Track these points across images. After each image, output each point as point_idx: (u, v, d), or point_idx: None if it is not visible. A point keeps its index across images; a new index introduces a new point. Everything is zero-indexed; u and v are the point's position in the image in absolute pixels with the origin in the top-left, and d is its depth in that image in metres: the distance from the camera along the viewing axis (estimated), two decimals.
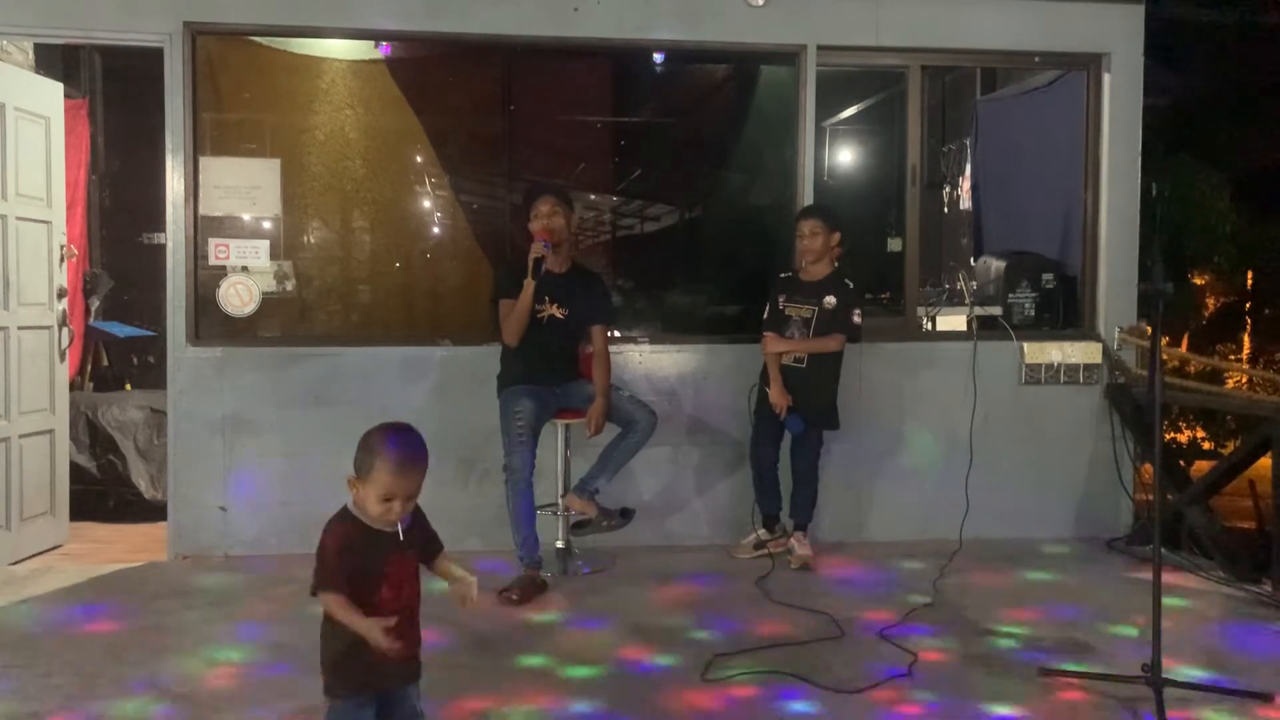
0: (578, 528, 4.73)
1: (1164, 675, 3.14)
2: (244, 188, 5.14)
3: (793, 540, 4.90)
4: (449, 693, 3.22)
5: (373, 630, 2.19)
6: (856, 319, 4.85)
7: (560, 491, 4.78)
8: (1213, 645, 3.83)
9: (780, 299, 4.93)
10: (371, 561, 2.29)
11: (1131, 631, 3.89)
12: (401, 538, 2.33)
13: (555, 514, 4.76)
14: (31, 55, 6.09)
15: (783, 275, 5.04)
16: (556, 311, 4.60)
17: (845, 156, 7.39)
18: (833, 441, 5.08)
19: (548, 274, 4.55)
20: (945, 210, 7.07)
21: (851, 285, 4.90)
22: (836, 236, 4.91)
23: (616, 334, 5.32)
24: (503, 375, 4.64)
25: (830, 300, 4.84)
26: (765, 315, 4.96)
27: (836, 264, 4.96)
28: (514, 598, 4.24)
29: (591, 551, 4.93)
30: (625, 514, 4.77)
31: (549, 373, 4.59)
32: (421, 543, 2.41)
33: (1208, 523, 4.97)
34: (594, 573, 4.72)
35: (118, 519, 5.74)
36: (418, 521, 2.41)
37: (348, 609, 2.22)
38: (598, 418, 4.55)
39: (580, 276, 4.75)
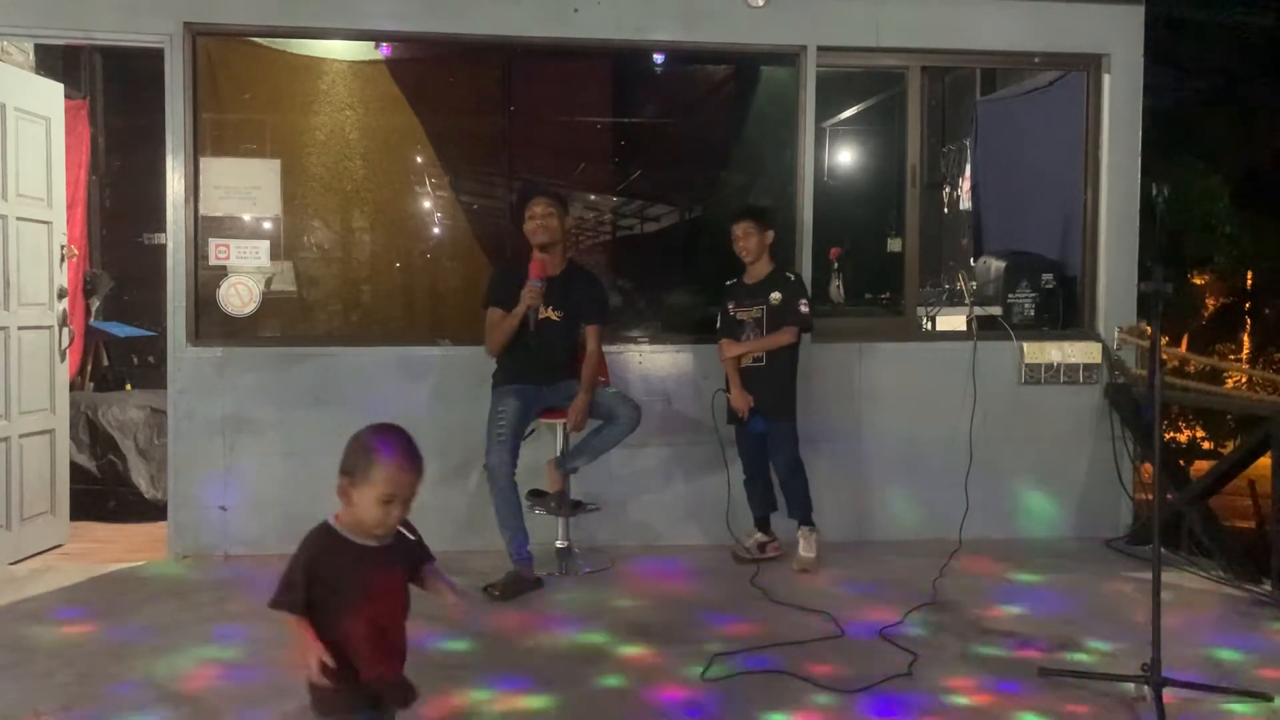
0: (534, 495, 4.71)
1: (1164, 675, 3.14)
2: (244, 188, 5.14)
3: (798, 535, 4.89)
4: (448, 686, 3.22)
5: (310, 656, 2.10)
6: (804, 308, 4.86)
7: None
8: (1213, 645, 3.82)
9: (730, 305, 4.97)
10: (350, 579, 2.17)
11: (1131, 631, 3.88)
12: (397, 541, 2.21)
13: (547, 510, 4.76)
14: (32, 55, 6.09)
15: (729, 283, 5.05)
16: (551, 314, 4.59)
17: (845, 157, 7.37)
18: (832, 441, 5.08)
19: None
20: (945, 210, 7.06)
21: (793, 278, 4.94)
22: (770, 235, 4.94)
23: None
24: (496, 374, 4.66)
25: (776, 296, 4.86)
26: (718, 324, 5.00)
27: (776, 262, 4.97)
28: (495, 594, 4.23)
29: (591, 551, 4.93)
30: (576, 508, 4.79)
31: (540, 373, 4.58)
32: (411, 554, 2.28)
33: (1208, 523, 4.97)
34: (594, 572, 4.72)
35: (118, 519, 5.74)
36: (409, 530, 2.28)
37: (300, 627, 2.15)
38: (577, 414, 4.53)
39: (576, 277, 4.74)
